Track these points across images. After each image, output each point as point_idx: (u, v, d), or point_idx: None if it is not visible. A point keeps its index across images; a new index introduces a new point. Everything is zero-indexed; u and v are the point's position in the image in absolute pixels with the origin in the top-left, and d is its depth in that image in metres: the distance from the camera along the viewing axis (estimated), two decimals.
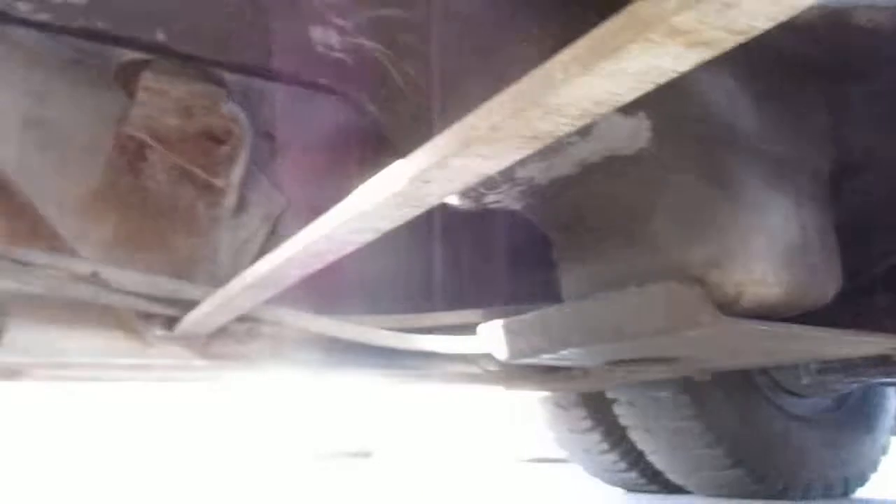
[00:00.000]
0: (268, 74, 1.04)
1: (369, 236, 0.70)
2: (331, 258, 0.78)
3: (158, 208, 1.24)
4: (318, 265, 0.81)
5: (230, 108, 1.19)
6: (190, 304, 1.16)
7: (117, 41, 1.00)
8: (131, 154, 1.23)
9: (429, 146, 0.53)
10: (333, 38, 0.87)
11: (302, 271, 0.83)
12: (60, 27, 0.93)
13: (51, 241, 1.19)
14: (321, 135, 1.39)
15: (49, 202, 1.19)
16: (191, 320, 1.12)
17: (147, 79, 1.10)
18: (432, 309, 1.40)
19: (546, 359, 1.04)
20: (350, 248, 0.74)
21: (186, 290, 1.14)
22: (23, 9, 0.91)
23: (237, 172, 1.26)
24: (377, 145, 1.35)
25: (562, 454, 2.46)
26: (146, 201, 1.24)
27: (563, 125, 0.47)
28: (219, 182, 1.25)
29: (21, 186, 1.18)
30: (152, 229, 1.24)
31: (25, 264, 1.08)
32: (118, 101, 1.22)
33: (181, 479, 3.58)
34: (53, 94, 1.21)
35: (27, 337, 1.15)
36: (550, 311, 0.96)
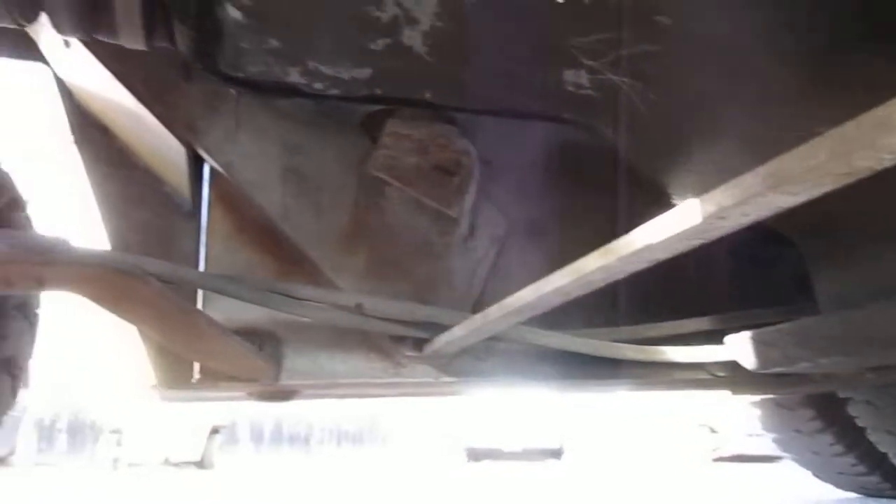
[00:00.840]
0: (509, 113, 1.12)
1: (643, 265, 0.74)
2: (598, 286, 0.82)
3: (399, 240, 1.36)
4: (580, 293, 0.86)
5: (461, 143, 1.28)
6: (438, 327, 1.26)
7: (389, 101, 1.12)
8: (373, 192, 1.36)
9: (731, 185, 0.56)
10: (584, 78, 0.93)
11: (564, 299, 0.89)
12: (342, 96, 1.06)
13: (313, 275, 1.35)
14: (533, 157, 1.45)
15: (309, 241, 1.34)
16: (442, 341, 1.22)
17: (393, 125, 1.22)
18: (616, 320, 1.40)
19: (801, 367, 1.03)
20: (619, 277, 0.79)
21: (438, 314, 1.24)
22: (297, 81, 1.05)
23: (468, 201, 1.35)
24: (589, 165, 1.38)
25: (761, 453, 2.35)
26: (389, 234, 1.36)
27: (886, 161, 0.48)
28: (452, 212, 1.34)
29: (285, 229, 1.34)
30: (395, 259, 1.36)
31: (298, 298, 1.23)
32: (358, 146, 1.36)
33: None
34: (304, 146, 1.36)
35: (301, 362, 1.31)
36: (810, 322, 0.94)
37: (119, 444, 7.94)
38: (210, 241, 1.35)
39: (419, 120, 1.22)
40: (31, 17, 0.92)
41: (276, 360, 1.23)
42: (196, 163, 1.40)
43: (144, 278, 0.97)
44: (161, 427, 7.90)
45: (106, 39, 1.12)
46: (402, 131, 1.22)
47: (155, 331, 1.10)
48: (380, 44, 0.94)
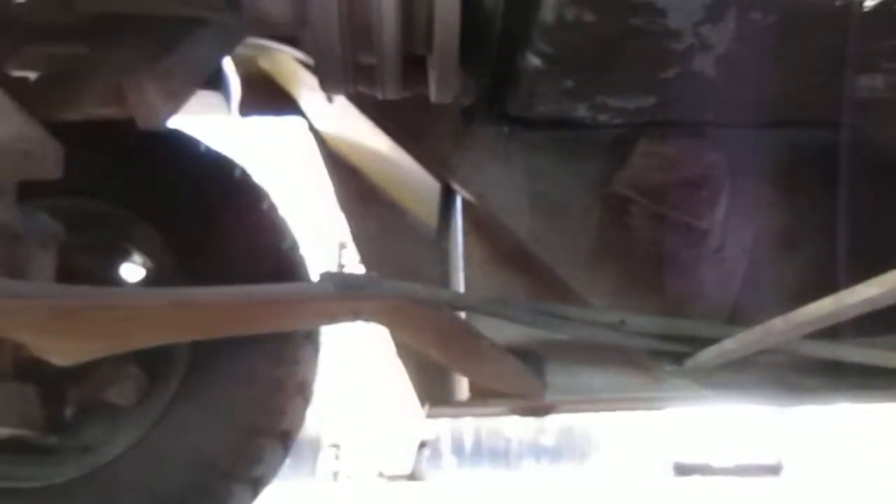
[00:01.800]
0: (775, 124, 1.11)
1: None
2: None
3: (648, 256, 1.38)
4: (890, 303, 0.83)
5: (712, 155, 1.28)
6: (698, 341, 1.26)
7: (664, 125, 1.16)
8: (617, 211, 1.39)
9: None
10: (878, 81, 0.91)
11: (867, 310, 0.86)
12: (621, 125, 1.11)
13: (564, 295, 1.40)
14: (779, 165, 1.40)
15: (560, 262, 1.40)
16: (709, 355, 1.22)
17: (645, 144, 1.25)
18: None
19: None
20: None
21: (701, 328, 1.24)
22: (582, 115, 1.11)
23: (718, 213, 1.34)
24: (847, 170, 1.31)
25: None
26: (635, 250, 1.39)
27: None
28: (702, 224, 1.34)
29: (537, 251, 1.40)
30: (645, 275, 1.38)
31: (563, 317, 1.28)
32: (598, 167, 1.39)
33: None
34: (547, 171, 1.42)
35: (562, 378, 1.36)
36: None
37: (337, 457, 8.54)
38: (467, 267, 1.44)
39: (670, 137, 1.24)
40: (352, 89, 1.06)
41: (543, 378, 1.29)
42: (447, 195, 1.51)
43: (440, 307, 1.07)
44: (375, 441, 8.38)
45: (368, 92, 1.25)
46: (654, 149, 1.24)
47: (440, 353, 1.21)
48: (671, 73, 0.98)
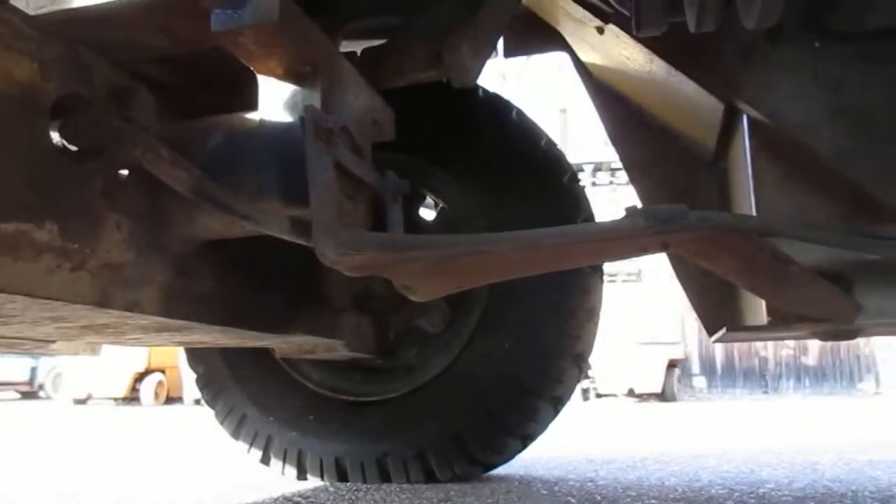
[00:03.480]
0: None
1: None
2: None
3: None
4: None
5: None
6: None
7: None
8: None
9: None
10: None
11: None
12: None
13: (875, 213, 1.31)
14: None
15: (868, 177, 1.30)
16: None
17: None
18: None
19: None
20: None
21: None
22: None
23: None
24: None
25: None
26: None
27: None
28: None
29: (840, 168, 1.32)
30: None
31: (878, 237, 1.21)
32: None
33: None
34: (848, 81, 1.32)
35: (874, 301, 1.29)
36: None
37: (588, 377, 8.77)
38: (759, 190, 1.40)
39: None
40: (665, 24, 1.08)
41: (855, 301, 1.24)
42: (730, 115, 1.46)
43: (747, 233, 1.07)
44: (625, 363, 8.47)
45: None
46: None
47: (746, 280, 1.21)
48: None
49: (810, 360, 11.54)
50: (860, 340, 12.05)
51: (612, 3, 1.32)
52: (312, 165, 0.80)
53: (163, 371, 10.47)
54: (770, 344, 11.44)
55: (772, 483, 1.76)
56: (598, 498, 1.52)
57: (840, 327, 1.38)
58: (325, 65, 0.93)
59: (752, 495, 1.59)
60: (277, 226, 0.81)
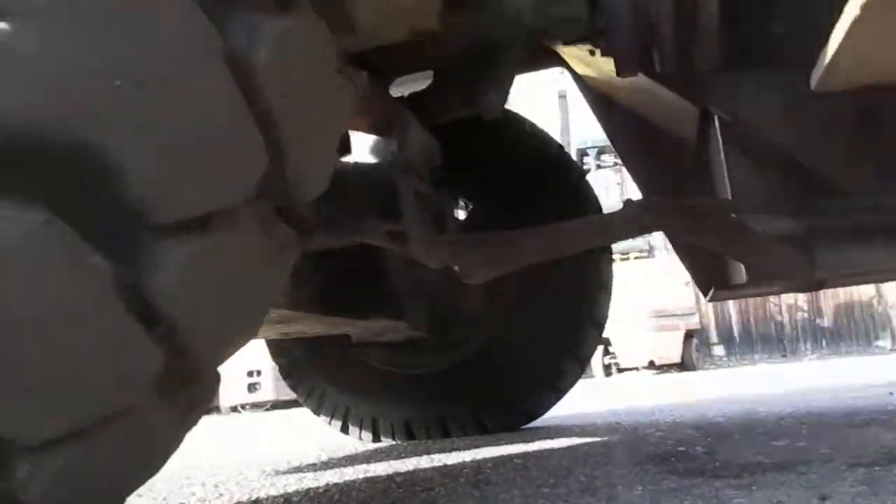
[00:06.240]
0: None
1: None
2: None
3: None
4: None
5: None
6: None
7: None
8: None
9: None
10: None
11: None
12: None
13: (827, 192, 1.64)
14: None
15: (817, 161, 1.64)
16: None
17: None
18: None
19: None
20: None
21: None
22: None
23: None
24: None
25: None
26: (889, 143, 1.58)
27: None
28: None
29: (796, 156, 1.65)
30: None
31: (822, 208, 1.55)
32: None
33: None
34: (793, 84, 1.65)
35: (830, 257, 1.62)
36: None
37: (608, 352, 9.10)
38: (732, 177, 1.74)
39: None
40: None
41: (810, 259, 1.57)
42: (705, 117, 1.80)
43: (719, 213, 1.41)
44: (644, 336, 8.79)
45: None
46: None
47: (721, 248, 1.55)
48: None
49: (825, 321, 11.80)
50: (874, 300, 12.35)
51: (599, 49, 1.66)
52: (403, 193, 1.14)
53: None
54: (785, 308, 11.73)
55: (765, 412, 2.10)
56: (620, 427, 1.87)
57: (807, 281, 1.72)
58: (396, 119, 1.28)
59: (749, 421, 1.94)
60: (380, 238, 1.16)
